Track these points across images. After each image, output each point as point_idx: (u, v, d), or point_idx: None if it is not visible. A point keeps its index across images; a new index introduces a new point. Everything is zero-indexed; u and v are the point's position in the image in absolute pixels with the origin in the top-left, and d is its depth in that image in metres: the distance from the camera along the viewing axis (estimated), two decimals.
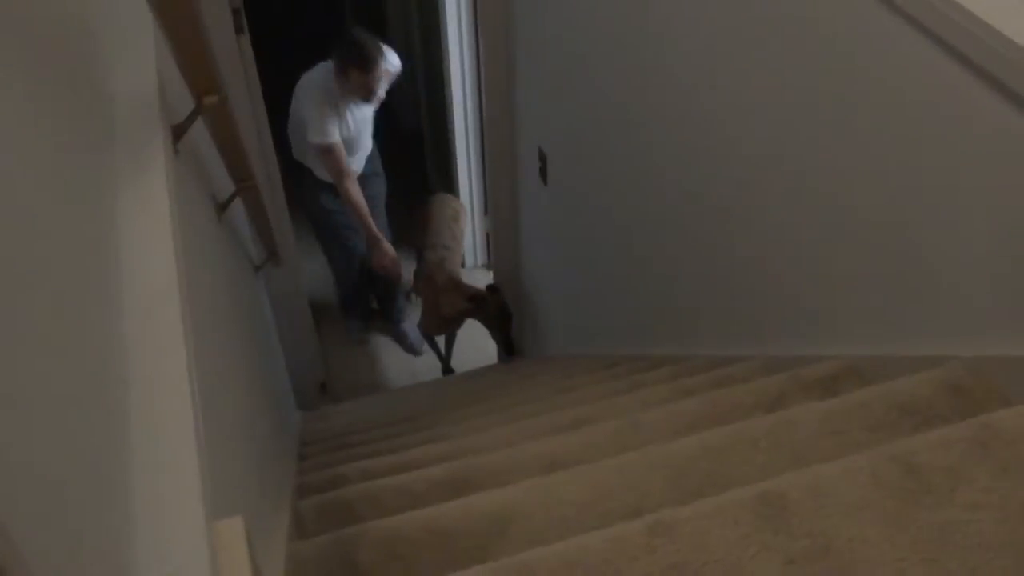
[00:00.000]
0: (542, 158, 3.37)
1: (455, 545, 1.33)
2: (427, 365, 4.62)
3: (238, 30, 3.00)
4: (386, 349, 4.78)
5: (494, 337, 4.28)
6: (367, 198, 4.09)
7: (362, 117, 3.94)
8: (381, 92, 3.88)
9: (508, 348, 4.22)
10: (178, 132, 1.26)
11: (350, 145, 3.92)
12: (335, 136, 3.76)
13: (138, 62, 1.20)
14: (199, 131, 1.52)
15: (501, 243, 4.18)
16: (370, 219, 3.97)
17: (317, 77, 3.80)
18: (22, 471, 0.52)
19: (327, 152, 3.76)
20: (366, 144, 4.10)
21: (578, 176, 3.06)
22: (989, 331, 1.28)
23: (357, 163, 4.06)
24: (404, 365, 4.67)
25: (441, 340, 4.45)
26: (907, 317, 1.45)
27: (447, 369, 4.53)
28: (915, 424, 1.25)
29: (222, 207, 1.91)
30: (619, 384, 2.29)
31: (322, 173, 3.97)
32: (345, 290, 4.71)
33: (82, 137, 0.97)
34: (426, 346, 4.65)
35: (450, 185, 4.94)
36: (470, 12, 4.03)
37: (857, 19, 1.40)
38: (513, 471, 1.59)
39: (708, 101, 1.98)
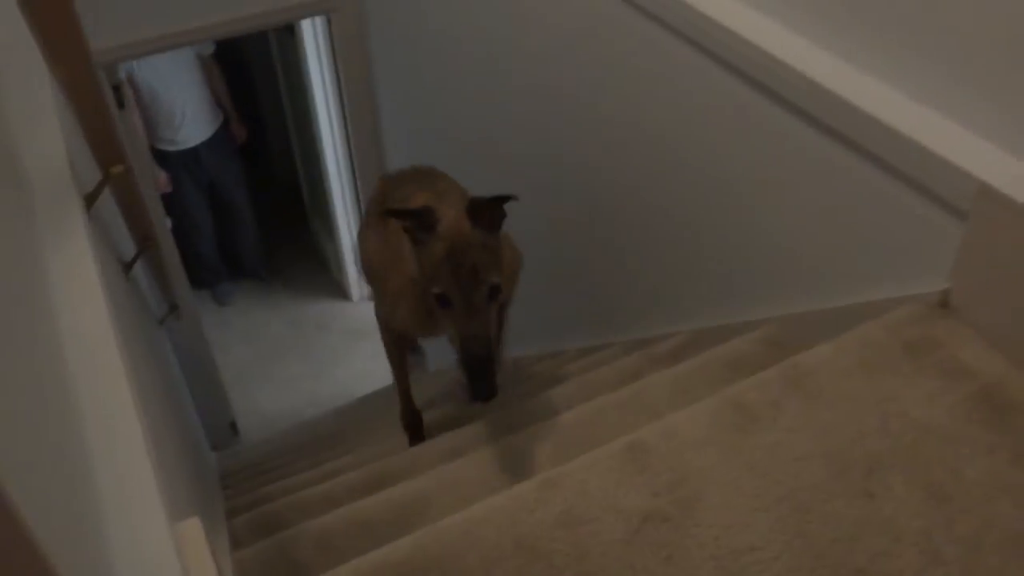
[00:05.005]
0: None
1: (379, 532, 1.41)
2: (329, 393, 4.60)
3: (120, 105, 3.00)
4: (291, 384, 4.75)
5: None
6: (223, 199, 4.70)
7: (168, 72, 4.10)
8: None
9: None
10: (90, 200, 1.31)
11: (156, 95, 4.13)
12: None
13: (48, 142, 1.25)
14: (102, 198, 1.55)
15: None
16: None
17: None
18: (19, 480, 0.58)
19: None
20: (184, 109, 4.25)
21: None
22: (792, 295, 1.45)
23: (182, 125, 4.28)
24: (308, 397, 4.64)
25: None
26: (732, 293, 1.62)
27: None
28: (744, 375, 1.40)
29: (128, 266, 1.93)
30: None
31: (162, 143, 4.30)
32: (202, 246, 4.87)
33: (9, 210, 1.01)
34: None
35: (329, 225, 4.93)
36: (330, 58, 4.03)
37: None
38: (421, 464, 1.68)
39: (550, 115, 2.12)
